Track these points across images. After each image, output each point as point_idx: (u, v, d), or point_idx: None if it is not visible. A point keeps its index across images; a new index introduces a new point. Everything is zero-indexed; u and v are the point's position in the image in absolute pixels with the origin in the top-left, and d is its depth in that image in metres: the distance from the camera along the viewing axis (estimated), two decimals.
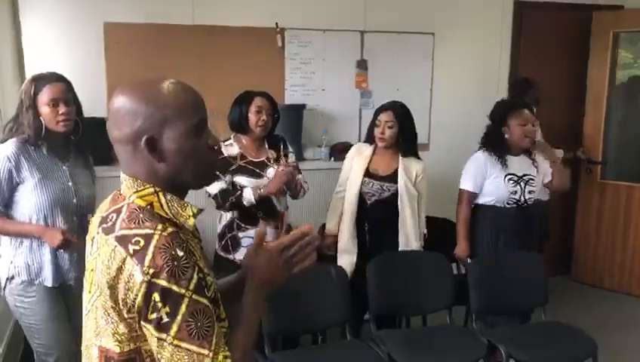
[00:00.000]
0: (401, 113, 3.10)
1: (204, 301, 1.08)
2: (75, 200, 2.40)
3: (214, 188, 2.83)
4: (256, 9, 3.94)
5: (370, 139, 3.20)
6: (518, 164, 3.18)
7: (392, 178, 3.12)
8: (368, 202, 3.11)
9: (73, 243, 2.30)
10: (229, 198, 2.84)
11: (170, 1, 3.79)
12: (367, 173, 3.12)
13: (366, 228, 3.12)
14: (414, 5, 4.29)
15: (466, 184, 3.21)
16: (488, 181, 3.15)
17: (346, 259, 3.11)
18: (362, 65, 4.23)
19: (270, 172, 2.92)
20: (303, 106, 4.03)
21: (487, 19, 4.53)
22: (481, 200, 3.21)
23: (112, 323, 1.11)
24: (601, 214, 4.84)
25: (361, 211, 3.11)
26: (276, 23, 3.97)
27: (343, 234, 3.15)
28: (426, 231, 3.28)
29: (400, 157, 3.15)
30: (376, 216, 3.12)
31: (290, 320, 2.78)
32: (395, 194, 3.10)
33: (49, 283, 2.36)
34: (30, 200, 2.31)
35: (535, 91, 4.31)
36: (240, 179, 2.88)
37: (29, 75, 2.65)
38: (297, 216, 3.35)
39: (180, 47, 3.82)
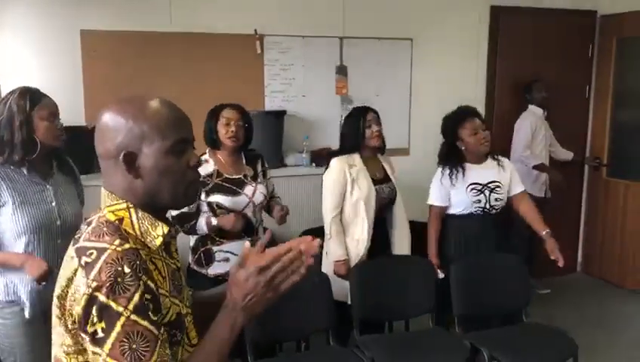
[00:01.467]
0: (377, 113, 3.14)
1: (145, 323, 1.05)
2: (58, 222, 2.27)
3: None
4: (235, 16, 3.93)
5: (354, 147, 3.09)
6: (483, 171, 3.18)
7: (388, 178, 3.17)
8: (376, 208, 3.10)
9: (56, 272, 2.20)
10: (184, 224, 2.75)
11: (148, 7, 3.77)
12: (373, 181, 3.08)
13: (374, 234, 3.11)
14: (392, 11, 4.32)
15: (432, 200, 3.22)
16: (452, 193, 3.16)
17: None
18: (342, 71, 4.25)
19: (248, 190, 2.86)
20: (283, 112, 4.02)
21: (464, 24, 4.58)
22: (450, 211, 3.22)
23: (61, 334, 1.11)
24: (606, 211, 5.05)
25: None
26: (255, 30, 3.97)
27: (359, 247, 3.06)
28: None
29: (380, 158, 3.19)
30: (379, 220, 3.12)
31: (273, 327, 2.76)
32: (395, 193, 3.17)
33: (27, 311, 2.22)
34: (10, 226, 2.19)
35: (543, 93, 4.48)
36: (216, 198, 2.78)
37: (3, 87, 2.58)
38: (282, 227, 3.34)
39: (159, 55, 3.80)
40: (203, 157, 2.84)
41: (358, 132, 3.07)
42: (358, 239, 3.06)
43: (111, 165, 1.15)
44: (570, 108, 5.00)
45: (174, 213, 2.69)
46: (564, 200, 5.06)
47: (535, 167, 4.41)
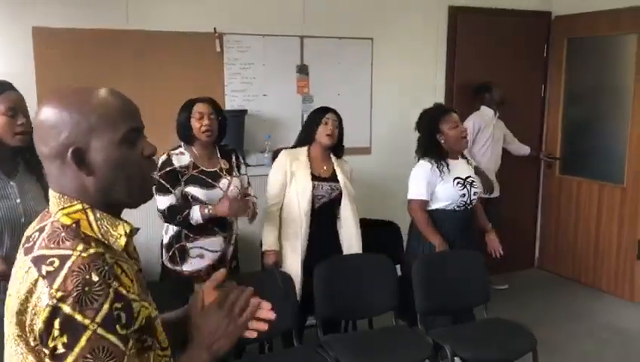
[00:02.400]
0: (339, 117, 3.16)
1: (112, 338, 0.96)
2: (23, 219, 2.18)
3: (164, 202, 2.74)
4: (194, 14, 3.87)
5: (307, 140, 3.15)
6: (460, 167, 3.25)
7: (334, 178, 3.15)
8: (316, 205, 3.10)
9: None
10: (176, 216, 2.75)
11: (104, 4, 3.66)
12: (313, 177, 3.09)
13: (312, 232, 3.09)
14: (352, 11, 4.33)
15: (417, 193, 3.20)
16: (439, 187, 3.17)
17: (296, 265, 3.08)
18: (303, 70, 4.23)
19: (224, 183, 2.86)
20: (244, 112, 3.99)
21: (423, 24, 4.63)
22: (433, 206, 3.23)
23: (20, 353, 1.00)
24: (560, 206, 5.20)
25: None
26: (214, 28, 3.91)
27: (296, 242, 3.07)
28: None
29: (333, 158, 3.19)
30: (322, 219, 3.11)
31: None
32: (341, 194, 3.13)
33: None
34: None
35: (495, 94, 4.53)
36: (192, 190, 2.79)
37: None
38: (243, 225, 3.30)
39: (115, 53, 3.70)
40: (178, 150, 2.86)
41: (312, 127, 3.13)
42: (292, 234, 3.08)
43: (57, 165, 1.06)
44: (527, 106, 5.13)
45: (163, 205, 2.67)
46: (521, 198, 5.19)
47: None
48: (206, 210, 2.73)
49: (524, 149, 4.93)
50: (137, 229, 1.13)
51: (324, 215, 3.12)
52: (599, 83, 4.90)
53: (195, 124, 2.82)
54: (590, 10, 4.74)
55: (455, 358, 2.87)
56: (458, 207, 3.20)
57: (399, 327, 3.16)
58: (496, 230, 3.46)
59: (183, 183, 2.79)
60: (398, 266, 3.32)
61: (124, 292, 1.00)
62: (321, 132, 3.09)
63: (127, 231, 1.09)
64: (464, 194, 3.18)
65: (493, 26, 4.85)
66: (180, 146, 2.89)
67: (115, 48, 3.69)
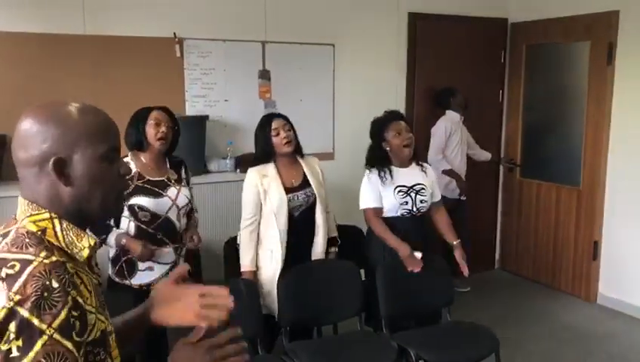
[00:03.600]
0: (286, 118, 3.09)
1: (67, 344, 0.97)
2: None
3: None
4: (153, 18, 3.81)
5: (267, 155, 3.05)
6: (408, 174, 3.25)
7: (307, 183, 3.11)
8: (295, 215, 3.05)
9: None
10: (95, 233, 2.62)
11: (60, 9, 3.57)
12: (287, 189, 3.02)
13: (292, 243, 3.05)
14: (314, 16, 4.34)
15: (367, 203, 3.22)
16: (382, 196, 3.19)
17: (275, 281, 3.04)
18: (265, 75, 4.21)
19: (172, 192, 2.80)
20: (205, 117, 3.94)
21: (384, 30, 4.67)
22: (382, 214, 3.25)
23: None
24: (520, 209, 5.31)
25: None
26: (174, 33, 3.86)
27: (274, 258, 3.02)
28: (336, 233, 3.31)
29: (301, 161, 3.14)
30: (302, 227, 3.08)
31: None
32: (316, 198, 3.12)
33: None
34: None
35: (459, 98, 4.57)
36: (138, 200, 2.71)
37: None
38: (205, 232, 3.26)
39: (72, 59, 3.61)
40: (124, 159, 2.75)
41: (267, 141, 3.03)
42: (272, 249, 3.02)
43: (34, 173, 1.09)
44: (486, 112, 5.23)
45: None
46: (481, 201, 5.27)
47: (444, 172, 4.55)
48: (123, 240, 2.66)
49: (484, 155, 5.01)
50: (102, 243, 1.15)
51: (303, 222, 3.08)
52: (556, 88, 5.03)
53: (150, 130, 2.76)
54: (545, 18, 4.87)
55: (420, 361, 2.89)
56: (402, 215, 3.21)
57: (364, 332, 3.16)
58: (464, 230, 3.48)
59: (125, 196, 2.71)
60: (362, 271, 3.32)
61: (81, 302, 1.02)
62: (278, 143, 3.01)
63: (92, 243, 1.13)
64: (406, 202, 3.19)
65: (453, 33, 4.93)
66: (127, 156, 2.78)
67: (71, 54, 3.61)
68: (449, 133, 4.56)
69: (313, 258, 3.16)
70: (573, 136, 4.81)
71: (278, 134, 3.00)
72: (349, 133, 4.50)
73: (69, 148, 1.08)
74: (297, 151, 3.13)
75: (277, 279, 3.01)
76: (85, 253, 1.11)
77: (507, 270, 5.46)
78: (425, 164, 3.39)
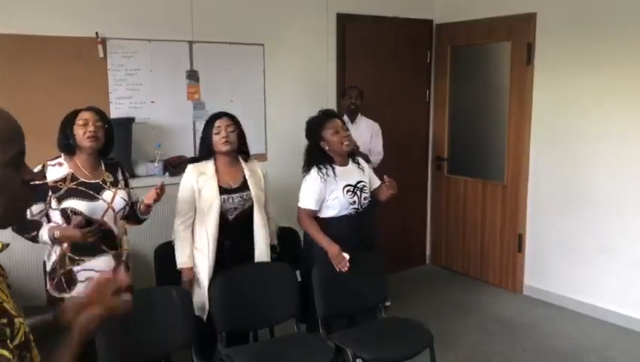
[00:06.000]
0: (235, 118, 3.09)
1: (5, 353, 0.95)
2: None
3: None
4: (73, 17, 3.63)
5: (207, 153, 3.06)
6: (349, 173, 3.28)
7: (245, 186, 3.06)
8: (230, 217, 3.00)
9: None
10: (25, 232, 2.54)
11: None
12: (222, 190, 2.99)
13: (226, 245, 3.01)
14: (242, 16, 4.28)
15: (307, 203, 3.19)
16: (330, 197, 3.19)
17: (206, 282, 2.98)
18: (193, 76, 4.11)
19: (107, 195, 2.68)
20: (131, 120, 3.80)
21: (313, 31, 4.67)
22: (322, 215, 3.23)
23: None
24: (448, 205, 5.45)
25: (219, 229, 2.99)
26: (96, 33, 3.70)
27: (204, 258, 2.97)
28: (276, 241, 3.29)
29: (243, 164, 3.10)
30: (237, 231, 3.03)
31: (135, 348, 2.60)
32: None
33: None
34: None
35: (352, 96, 4.46)
36: (71, 204, 2.58)
37: None
38: (136, 238, 3.14)
39: None
40: (56, 161, 2.67)
41: (208, 140, 3.03)
42: (201, 249, 2.98)
43: None
44: (413, 111, 5.34)
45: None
46: (411, 199, 5.38)
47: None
48: (56, 233, 2.52)
49: None
50: (7, 245, 1.10)
51: (239, 226, 3.04)
52: (481, 87, 5.21)
53: (78, 131, 2.64)
54: (469, 19, 5.02)
55: (357, 360, 2.90)
56: (350, 213, 3.23)
57: (301, 334, 3.14)
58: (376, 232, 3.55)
59: (56, 199, 2.58)
60: (298, 272, 3.31)
61: (7, 307, 0.99)
62: (217, 141, 3.00)
63: (1, 246, 1.09)
64: (354, 201, 3.22)
65: (380, 34, 5.00)
66: (60, 157, 2.69)
67: None
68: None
69: (256, 261, 3.12)
70: (498, 134, 4.99)
71: (218, 133, 2.99)
72: (281, 134, 4.48)
73: None
74: (242, 152, 3.10)
75: (208, 280, 2.96)
76: None
77: (438, 265, 5.60)
78: (359, 160, 3.41)
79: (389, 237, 4.76)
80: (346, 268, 3.08)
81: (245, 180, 3.08)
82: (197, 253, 3.01)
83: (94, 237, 2.57)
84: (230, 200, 3.00)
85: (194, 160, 3.17)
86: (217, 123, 3.01)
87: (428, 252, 5.70)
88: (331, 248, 3.11)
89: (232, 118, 3.07)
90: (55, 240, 2.55)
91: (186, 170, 3.06)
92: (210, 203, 2.95)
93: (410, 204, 5.41)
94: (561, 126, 4.48)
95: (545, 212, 4.67)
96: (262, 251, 3.11)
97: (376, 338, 3.07)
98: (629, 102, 4.05)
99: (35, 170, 2.56)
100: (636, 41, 3.95)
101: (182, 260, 2.99)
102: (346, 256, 3.09)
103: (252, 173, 3.12)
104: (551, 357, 3.76)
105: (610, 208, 4.23)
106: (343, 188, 3.19)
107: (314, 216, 3.21)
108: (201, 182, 2.97)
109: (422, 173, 5.56)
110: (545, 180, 4.64)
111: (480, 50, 5.13)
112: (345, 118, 4.38)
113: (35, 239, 2.56)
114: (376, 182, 3.44)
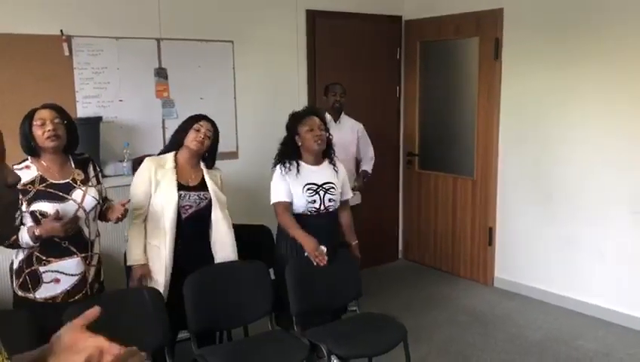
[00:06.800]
0: (215, 127, 3.09)
1: None
2: None
3: None
4: (37, 14, 3.55)
5: (174, 145, 3.03)
6: (318, 172, 3.27)
7: (203, 186, 3.04)
8: (184, 216, 2.97)
9: None
10: (4, 241, 2.44)
11: None
12: (180, 186, 2.95)
13: (179, 244, 2.97)
14: (211, 13, 4.24)
15: (277, 196, 3.20)
16: (292, 192, 3.19)
17: (162, 279, 2.93)
18: (161, 73, 4.06)
19: (77, 194, 2.61)
20: (98, 119, 3.74)
21: (283, 27, 4.65)
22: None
23: None
24: (420, 200, 5.50)
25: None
26: (61, 30, 3.62)
27: (161, 255, 2.92)
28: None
29: (204, 168, 3.09)
30: (191, 230, 3.00)
31: None
32: (210, 203, 3.03)
33: None
34: None
35: (336, 93, 4.40)
36: (40, 206, 2.51)
37: None
38: (107, 241, 3.08)
39: None
40: (23, 164, 2.58)
41: (182, 133, 3.01)
42: (159, 246, 2.93)
43: None
44: (384, 107, 5.37)
45: None
46: (383, 194, 5.41)
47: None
48: (36, 231, 2.45)
49: None
50: (12, 245, 1.02)
51: (193, 225, 3.00)
52: (450, 83, 5.26)
53: (37, 132, 2.54)
54: (437, 15, 5.06)
55: (332, 356, 2.91)
56: (310, 213, 3.22)
57: (275, 332, 3.13)
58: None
59: (26, 203, 2.51)
60: (271, 269, 3.29)
61: None
62: (191, 137, 2.98)
63: None
64: (314, 201, 3.20)
65: (350, 30, 5.01)
66: (27, 160, 2.61)
67: None
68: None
69: (218, 261, 3.09)
70: (467, 129, 5.05)
71: (198, 130, 2.98)
72: (252, 132, 4.45)
73: None
74: (206, 158, 3.08)
75: (164, 282, 2.91)
76: None
77: (410, 260, 5.65)
78: (338, 163, 3.39)
79: (361, 234, 4.74)
80: (325, 262, 3.08)
81: (204, 180, 3.06)
82: (153, 248, 2.94)
83: (75, 228, 2.54)
84: (187, 197, 2.97)
85: (164, 151, 3.12)
86: (201, 122, 3.01)
87: (400, 247, 5.74)
88: (308, 242, 3.10)
89: (214, 126, 3.07)
90: (37, 239, 2.48)
91: (144, 161, 3.01)
92: (169, 197, 2.91)
93: (383, 200, 5.44)
94: (529, 120, 4.55)
95: (514, 206, 4.74)
96: (226, 252, 3.08)
97: (350, 333, 3.08)
98: (594, 97, 4.13)
99: None
100: (602, 35, 4.04)
101: (136, 257, 2.91)
102: (323, 248, 3.09)
103: (211, 176, 3.10)
104: (522, 348, 3.83)
105: (574, 200, 4.32)
106: (304, 186, 3.19)
107: (290, 208, 3.20)
108: (159, 175, 2.93)
109: (393, 169, 5.59)
110: (513, 174, 4.71)
111: (449, 45, 5.18)
112: (327, 116, 4.40)
113: (16, 244, 2.48)
114: (348, 193, 3.44)
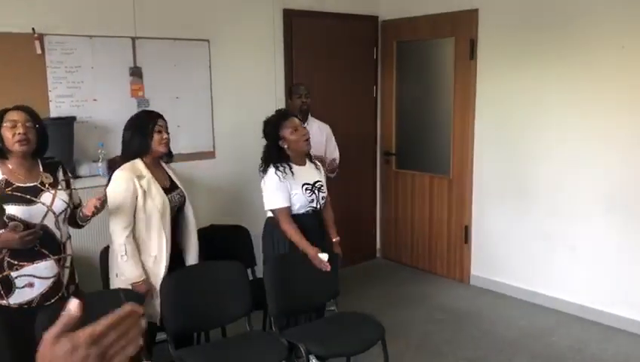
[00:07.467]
0: (165, 120, 3.00)
1: None
2: None
3: None
4: (7, 12, 3.47)
5: (141, 151, 2.87)
6: (307, 172, 3.28)
7: (174, 185, 3.02)
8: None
9: None
10: None
11: None
12: (164, 190, 2.90)
13: None
14: (186, 11, 4.20)
15: (277, 202, 3.16)
16: (291, 193, 3.18)
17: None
18: (136, 72, 4.01)
19: (46, 197, 2.55)
20: (72, 119, 3.68)
21: (260, 27, 4.63)
22: None
23: None
24: (397, 199, 5.53)
25: None
26: (33, 28, 3.56)
27: (161, 268, 2.87)
28: None
29: (165, 166, 3.04)
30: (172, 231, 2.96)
31: None
32: (185, 200, 3.03)
33: None
34: None
35: (301, 95, 4.27)
36: (8, 209, 2.45)
37: None
38: (80, 241, 3.03)
39: None
40: None
41: (146, 137, 2.86)
42: (156, 256, 2.86)
43: None
44: (361, 107, 5.39)
45: None
46: (360, 193, 5.43)
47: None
48: None
49: None
50: None
51: (172, 225, 2.97)
52: (426, 83, 5.30)
53: (6, 134, 2.48)
54: (413, 15, 5.10)
55: (310, 356, 2.91)
56: (308, 212, 3.24)
57: (254, 332, 3.13)
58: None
59: None
60: (249, 270, 3.29)
61: None
62: (157, 140, 2.87)
63: None
64: (313, 200, 3.23)
65: (327, 30, 5.02)
66: None
67: None
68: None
69: (190, 263, 3.07)
70: (443, 128, 5.09)
71: (160, 132, 2.89)
72: (229, 131, 4.43)
73: None
74: (168, 154, 3.02)
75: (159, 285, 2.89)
76: None
77: (388, 258, 5.68)
78: (317, 161, 3.41)
79: (339, 233, 4.75)
80: (329, 268, 3.12)
81: (172, 179, 3.03)
82: (148, 259, 2.86)
83: (34, 241, 2.47)
84: (173, 198, 2.95)
85: (125, 158, 2.92)
86: (160, 122, 2.91)
87: (378, 245, 5.77)
88: (310, 251, 3.13)
89: (164, 120, 2.98)
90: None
91: (119, 174, 2.82)
92: (163, 204, 2.85)
93: (360, 199, 5.46)
94: (503, 119, 4.61)
95: (489, 204, 4.80)
96: (192, 251, 3.07)
97: (328, 333, 3.09)
98: (568, 96, 4.20)
99: None
100: (575, 35, 4.11)
101: (138, 274, 2.80)
102: (325, 256, 3.12)
103: (173, 171, 3.08)
104: (498, 345, 3.88)
105: (549, 199, 4.39)
106: (302, 186, 3.20)
107: (290, 214, 3.18)
108: (144, 184, 2.82)
109: (371, 168, 5.62)
110: (488, 173, 4.77)
111: (425, 45, 5.22)
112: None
113: None
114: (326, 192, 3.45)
